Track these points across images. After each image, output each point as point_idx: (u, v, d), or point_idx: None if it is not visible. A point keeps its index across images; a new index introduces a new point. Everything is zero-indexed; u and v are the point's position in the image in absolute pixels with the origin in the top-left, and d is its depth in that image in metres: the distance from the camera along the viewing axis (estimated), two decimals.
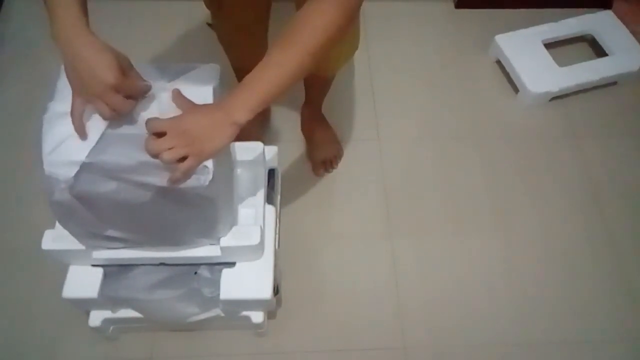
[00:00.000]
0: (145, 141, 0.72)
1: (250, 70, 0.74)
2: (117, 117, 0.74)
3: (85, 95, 0.72)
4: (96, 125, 0.75)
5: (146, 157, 0.73)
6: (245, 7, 1.11)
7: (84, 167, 0.74)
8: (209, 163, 0.76)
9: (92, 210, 0.82)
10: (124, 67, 0.73)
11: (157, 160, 0.73)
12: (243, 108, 0.72)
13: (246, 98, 0.72)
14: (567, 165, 1.50)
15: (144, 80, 0.77)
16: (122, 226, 0.88)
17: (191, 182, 0.76)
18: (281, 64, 0.72)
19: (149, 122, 0.73)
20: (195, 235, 0.94)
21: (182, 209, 0.83)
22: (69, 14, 0.69)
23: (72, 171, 0.73)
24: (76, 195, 0.77)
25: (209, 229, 0.92)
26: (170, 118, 0.74)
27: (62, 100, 0.76)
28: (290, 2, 1.11)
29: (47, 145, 0.74)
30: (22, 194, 1.36)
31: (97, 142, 0.75)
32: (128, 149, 0.75)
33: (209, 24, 1.64)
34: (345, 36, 0.75)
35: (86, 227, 0.88)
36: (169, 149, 0.71)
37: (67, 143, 0.74)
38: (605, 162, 1.50)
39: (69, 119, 0.74)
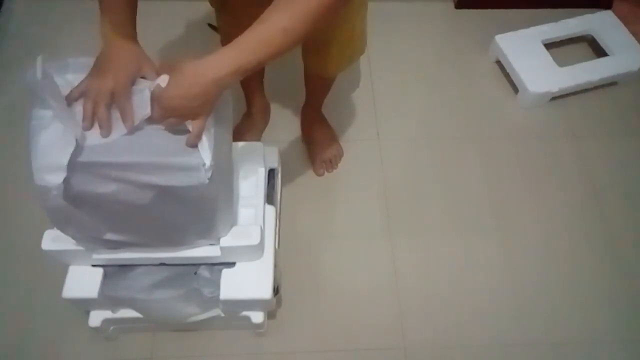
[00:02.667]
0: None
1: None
2: (89, 126, 0.76)
3: (90, 86, 0.76)
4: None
5: (142, 158, 0.74)
6: (248, 5, 1.11)
7: (80, 168, 0.74)
8: (208, 160, 0.76)
9: (89, 214, 0.82)
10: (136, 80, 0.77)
11: (153, 160, 0.74)
12: (227, 75, 0.71)
13: (231, 63, 0.71)
14: (567, 165, 1.50)
15: (144, 111, 0.77)
16: (120, 228, 0.88)
17: (191, 180, 0.76)
18: (268, 29, 0.70)
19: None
20: (195, 235, 0.94)
21: (181, 209, 0.83)
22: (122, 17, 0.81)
23: (61, 177, 0.72)
24: (72, 197, 0.76)
25: (208, 229, 0.92)
26: (157, 97, 0.75)
27: (45, 106, 0.75)
28: None
29: (35, 153, 0.73)
30: (22, 194, 1.36)
31: (92, 144, 0.75)
32: (123, 149, 0.75)
33: (209, 24, 1.64)
34: (344, 6, 0.73)
35: (84, 232, 0.88)
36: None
37: (53, 148, 0.73)
38: (605, 162, 1.50)
39: (55, 125, 0.74)
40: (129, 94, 0.76)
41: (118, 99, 0.76)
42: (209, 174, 0.77)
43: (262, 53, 0.71)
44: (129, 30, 0.82)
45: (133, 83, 0.77)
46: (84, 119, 0.76)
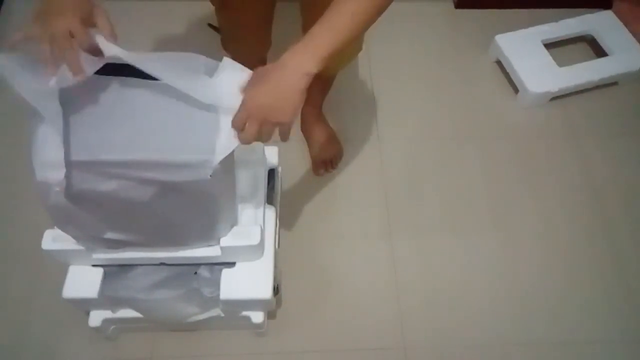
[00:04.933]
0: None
1: (253, 69, 0.74)
2: (55, 70, 0.69)
3: (41, 29, 0.69)
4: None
5: (144, 155, 0.73)
6: (249, 4, 1.11)
7: (81, 166, 0.74)
8: (220, 156, 0.75)
9: (90, 212, 0.82)
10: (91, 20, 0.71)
11: (156, 157, 0.73)
12: (314, 58, 0.71)
13: (321, 46, 0.71)
14: (567, 165, 1.50)
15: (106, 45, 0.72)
16: (121, 227, 0.88)
17: (194, 175, 0.76)
18: (354, 12, 0.71)
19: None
20: (196, 235, 0.94)
21: (183, 207, 0.83)
22: None
23: (62, 173, 0.72)
24: (73, 195, 0.76)
25: (210, 228, 0.92)
26: (243, 99, 0.73)
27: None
28: (295, 2, 1.11)
29: (35, 148, 0.72)
30: (22, 194, 1.36)
31: (94, 141, 0.74)
32: (125, 146, 0.74)
33: (209, 24, 1.64)
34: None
35: (85, 231, 0.88)
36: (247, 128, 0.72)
37: (52, 144, 0.72)
38: (605, 162, 1.50)
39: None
40: (88, 35, 0.70)
41: (79, 40, 0.69)
42: (211, 171, 0.75)
43: (339, 40, 0.72)
44: None
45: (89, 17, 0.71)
46: (48, 63, 0.68)
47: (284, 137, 0.76)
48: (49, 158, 0.72)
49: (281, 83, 0.71)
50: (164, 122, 0.76)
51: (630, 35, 1.68)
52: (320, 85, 1.34)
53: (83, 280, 0.99)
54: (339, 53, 0.74)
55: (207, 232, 0.93)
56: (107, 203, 0.80)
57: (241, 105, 0.73)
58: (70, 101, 0.74)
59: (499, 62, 1.70)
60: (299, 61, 0.71)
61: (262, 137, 0.73)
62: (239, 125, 0.73)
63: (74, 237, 0.91)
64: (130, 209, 0.81)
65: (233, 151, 0.77)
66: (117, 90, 0.77)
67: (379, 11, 0.74)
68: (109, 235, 0.88)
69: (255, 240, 0.95)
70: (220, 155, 0.75)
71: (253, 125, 0.72)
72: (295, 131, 1.51)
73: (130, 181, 0.76)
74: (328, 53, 0.71)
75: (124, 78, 0.77)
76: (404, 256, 1.32)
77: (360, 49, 1.17)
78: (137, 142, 0.75)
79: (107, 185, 0.76)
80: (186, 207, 0.83)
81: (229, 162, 0.85)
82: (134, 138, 0.75)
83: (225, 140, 0.75)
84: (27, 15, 0.72)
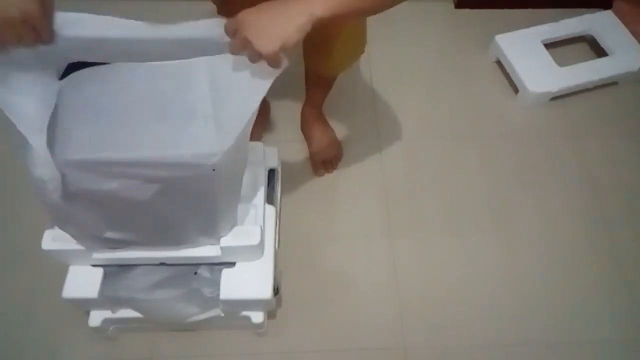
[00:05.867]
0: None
1: None
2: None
3: None
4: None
5: (145, 152, 0.72)
6: (250, 3, 1.11)
7: (80, 165, 0.73)
8: (226, 145, 0.73)
9: (89, 210, 0.82)
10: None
11: (157, 154, 0.72)
12: (325, 3, 0.68)
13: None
14: (567, 165, 1.50)
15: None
16: (121, 226, 0.88)
17: (200, 159, 0.73)
18: None
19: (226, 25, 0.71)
20: (197, 232, 0.93)
21: (184, 203, 0.83)
22: None
23: (57, 169, 0.71)
24: (71, 194, 0.76)
25: (211, 225, 0.92)
26: (240, 20, 0.70)
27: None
28: None
29: (30, 148, 0.72)
30: (22, 194, 1.36)
31: (94, 139, 0.73)
32: (125, 144, 0.73)
33: None
34: None
35: (84, 229, 0.88)
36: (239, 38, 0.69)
37: (44, 141, 0.71)
38: (605, 162, 1.50)
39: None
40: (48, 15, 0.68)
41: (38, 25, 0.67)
42: (220, 156, 0.74)
43: (354, 4, 0.70)
44: None
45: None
46: None
47: (276, 64, 0.71)
48: (43, 156, 0.71)
49: (279, 13, 0.69)
50: (164, 117, 0.75)
51: (630, 35, 1.68)
52: (321, 85, 1.34)
53: (83, 280, 0.99)
54: (347, 21, 0.72)
55: (209, 229, 0.93)
56: (107, 201, 0.79)
57: (240, 16, 0.70)
58: (67, 96, 0.74)
59: (499, 62, 1.70)
60: (306, 1, 0.68)
61: (265, 52, 0.69)
62: (228, 31, 0.70)
63: (73, 236, 0.91)
64: (131, 207, 0.81)
65: (247, 151, 0.76)
66: (115, 81, 0.77)
67: None
68: (109, 234, 0.88)
69: (255, 240, 0.95)
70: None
71: (239, 38, 0.69)
72: (296, 131, 1.51)
73: (132, 179, 0.76)
74: (338, 5, 0.69)
75: (121, 66, 0.76)
76: (404, 256, 1.32)
77: (362, 51, 1.17)
78: (139, 138, 0.74)
79: (108, 184, 0.76)
80: (187, 204, 0.83)
81: (239, 160, 0.83)
82: (135, 133, 0.74)
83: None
84: None
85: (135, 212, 0.83)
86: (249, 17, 0.70)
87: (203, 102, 0.75)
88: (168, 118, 0.75)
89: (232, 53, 0.71)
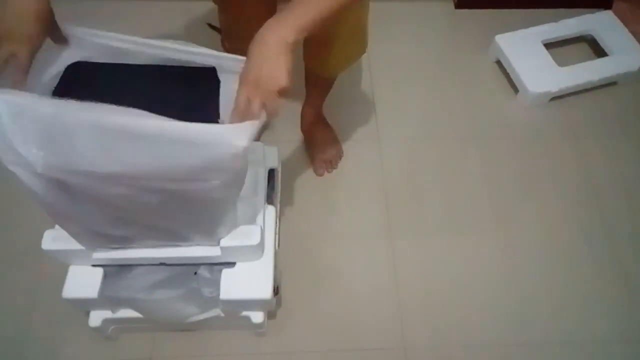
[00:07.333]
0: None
1: None
2: None
3: None
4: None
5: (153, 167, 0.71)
6: (250, 2, 1.11)
7: (80, 175, 0.70)
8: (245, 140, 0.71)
9: (88, 212, 0.81)
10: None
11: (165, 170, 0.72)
12: (291, 29, 0.73)
13: (296, 18, 0.74)
14: (567, 165, 1.50)
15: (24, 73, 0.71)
16: (120, 227, 0.88)
17: (226, 148, 0.70)
18: None
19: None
20: (198, 235, 0.94)
21: (187, 211, 0.83)
22: None
23: (32, 149, 0.68)
24: (70, 194, 0.75)
25: (212, 230, 0.92)
26: (241, 80, 0.74)
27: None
28: None
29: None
30: (22, 194, 1.36)
31: (96, 151, 0.70)
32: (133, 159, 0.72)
33: (209, 24, 1.64)
34: None
35: (82, 226, 0.87)
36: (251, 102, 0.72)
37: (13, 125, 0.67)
38: (605, 162, 1.50)
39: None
40: (29, 63, 0.71)
41: (17, 66, 0.70)
42: (246, 143, 0.72)
43: (317, 12, 0.74)
44: None
45: (37, 48, 0.73)
46: None
47: (286, 95, 0.76)
48: (14, 138, 0.68)
49: (266, 55, 0.73)
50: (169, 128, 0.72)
51: (630, 35, 1.68)
52: (321, 85, 1.34)
53: (83, 280, 0.99)
54: (320, 28, 0.76)
55: (210, 233, 0.93)
56: (107, 207, 0.79)
57: (239, 88, 0.74)
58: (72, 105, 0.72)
59: (499, 62, 1.70)
60: (277, 34, 0.73)
61: (269, 108, 0.73)
62: (242, 104, 0.73)
63: (71, 234, 0.90)
64: (131, 213, 0.81)
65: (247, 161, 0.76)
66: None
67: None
68: (107, 231, 0.88)
69: (255, 240, 0.95)
70: (245, 138, 0.70)
71: (256, 101, 0.72)
72: (296, 131, 1.51)
73: (134, 189, 0.75)
74: (306, 24, 0.74)
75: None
76: (403, 256, 1.32)
77: (363, 52, 1.17)
78: (144, 151, 0.70)
79: (109, 192, 0.74)
80: (190, 210, 0.83)
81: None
82: (139, 147, 0.70)
83: (240, 126, 0.72)
84: None
85: (136, 215, 0.83)
86: (249, 80, 0.73)
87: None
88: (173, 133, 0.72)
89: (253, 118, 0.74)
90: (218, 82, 0.84)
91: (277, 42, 0.73)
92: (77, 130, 0.68)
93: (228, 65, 0.83)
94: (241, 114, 0.72)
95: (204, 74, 0.84)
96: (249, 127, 0.71)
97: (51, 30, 0.77)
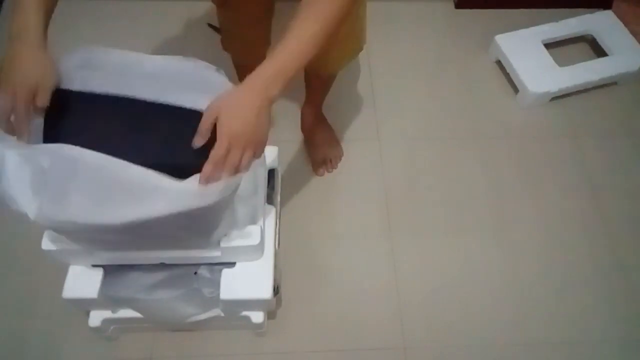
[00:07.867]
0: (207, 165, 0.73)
1: (252, 67, 0.74)
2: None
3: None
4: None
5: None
6: (250, 2, 1.11)
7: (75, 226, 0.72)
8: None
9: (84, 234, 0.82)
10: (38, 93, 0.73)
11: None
12: (279, 82, 0.74)
13: (277, 72, 0.74)
14: (567, 165, 1.50)
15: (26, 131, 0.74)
16: (117, 239, 0.88)
17: (196, 204, 0.73)
18: (301, 36, 0.74)
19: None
20: (194, 242, 0.94)
21: (181, 225, 0.83)
22: (31, 22, 0.74)
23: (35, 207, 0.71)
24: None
25: (207, 238, 0.92)
26: (218, 127, 0.73)
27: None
28: (294, 1, 1.10)
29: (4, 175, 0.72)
30: None
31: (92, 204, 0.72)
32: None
33: (209, 24, 1.64)
34: (352, 8, 0.77)
35: (81, 240, 0.88)
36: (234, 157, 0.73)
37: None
38: (605, 162, 1.50)
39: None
40: (28, 112, 0.73)
41: (16, 116, 0.72)
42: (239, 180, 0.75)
43: (299, 61, 0.74)
44: (37, 35, 0.75)
45: (34, 95, 0.73)
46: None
47: (259, 156, 0.78)
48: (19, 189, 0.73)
49: (252, 110, 0.74)
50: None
51: (630, 35, 1.68)
52: (321, 84, 1.34)
53: (83, 280, 0.99)
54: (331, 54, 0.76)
55: (205, 240, 0.93)
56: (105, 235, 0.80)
57: (221, 136, 0.73)
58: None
59: (499, 62, 1.70)
60: (265, 86, 0.74)
61: (242, 163, 0.74)
62: (220, 156, 0.72)
63: (70, 239, 0.91)
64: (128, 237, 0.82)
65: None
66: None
67: (339, 24, 0.76)
68: (106, 238, 0.88)
69: (255, 240, 0.95)
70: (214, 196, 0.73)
71: (236, 154, 0.73)
72: (296, 131, 1.51)
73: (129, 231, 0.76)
74: (291, 76, 0.75)
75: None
76: (403, 256, 1.32)
77: (361, 48, 1.17)
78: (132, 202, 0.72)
79: (103, 237, 0.76)
80: (186, 223, 0.83)
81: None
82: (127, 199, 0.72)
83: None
84: None
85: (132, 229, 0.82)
86: (232, 133, 0.73)
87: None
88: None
89: (230, 170, 0.75)
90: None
91: (266, 101, 0.74)
92: (71, 186, 0.71)
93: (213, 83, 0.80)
94: (219, 165, 0.72)
95: (187, 115, 0.79)
96: (219, 185, 0.72)
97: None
